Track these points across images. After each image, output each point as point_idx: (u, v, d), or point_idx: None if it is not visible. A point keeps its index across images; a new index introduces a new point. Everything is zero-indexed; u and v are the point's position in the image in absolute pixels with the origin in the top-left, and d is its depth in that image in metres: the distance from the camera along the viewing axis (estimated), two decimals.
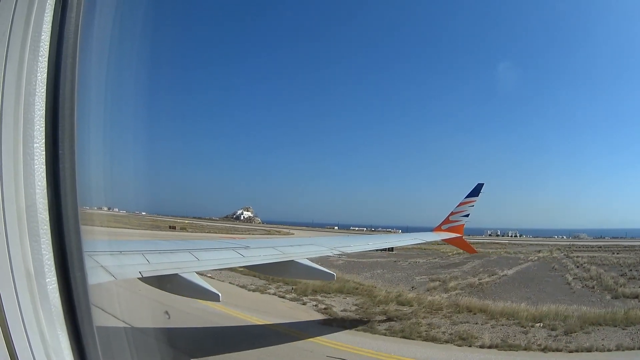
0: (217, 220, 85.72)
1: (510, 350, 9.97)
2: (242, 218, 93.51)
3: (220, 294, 6.58)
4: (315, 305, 13.13)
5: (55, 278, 1.66)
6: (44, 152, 1.62)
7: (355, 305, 13.66)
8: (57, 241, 1.67)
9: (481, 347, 10.12)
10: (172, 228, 52.70)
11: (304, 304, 13.47)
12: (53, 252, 1.65)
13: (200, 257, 6.86)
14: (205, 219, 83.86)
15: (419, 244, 14.50)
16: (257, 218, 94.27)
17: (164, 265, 6.63)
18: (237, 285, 16.84)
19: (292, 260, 7.67)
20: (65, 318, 1.69)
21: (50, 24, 1.64)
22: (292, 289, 14.52)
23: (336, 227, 75.99)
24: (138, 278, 6.41)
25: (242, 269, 13.29)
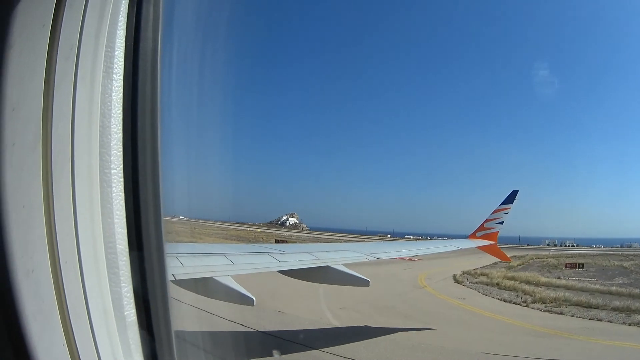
0: (260, 226, 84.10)
1: None
2: (287, 224, 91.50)
3: (254, 298, 6.31)
4: None
5: (134, 311, 1.50)
6: (122, 179, 1.48)
7: None
8: (136, 273, 1.50)
9: None
10: (282, 242, 43.11)
11: None
12: (132, 284, 1.49)
13: (235, 261, 6.64)
14: (248, 224, 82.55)
15: (453, 250, 14.07)
16: (303, 225, 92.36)
17: (197, 268, 6.46)
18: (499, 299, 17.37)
19: (328, 265, 7.46)
20: (144, 353, 1.56)
21: (124, 38, 1.49)
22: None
23: (389, 235, 73.86)
24: (171, 281, 6.24)
25: None
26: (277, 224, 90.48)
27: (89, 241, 1.36)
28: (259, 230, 69.05)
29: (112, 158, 1.44)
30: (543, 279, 23.67)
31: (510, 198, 14.49)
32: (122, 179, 1.46)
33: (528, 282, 21.87)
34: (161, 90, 1.59)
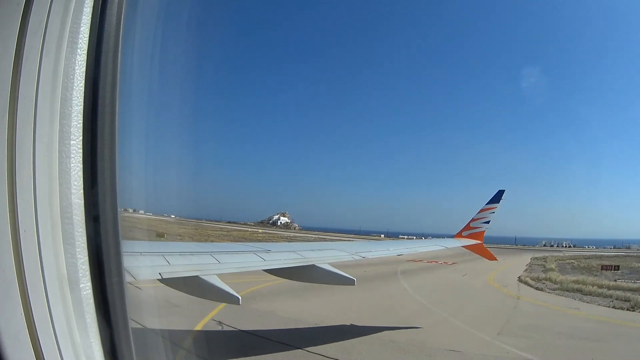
0: (252, 225, 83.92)
1: None
2: (279, 224, 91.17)
3: (240, 297, 6.41)
4: None
5: (90, 284, 1.56)
6: (81, 150, 1.54)
7: None
8: (92, 245, 1.56)
9: None
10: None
11: None
12: (89, 256, 1.55)
13: (221, 259, 6.73)
14: (240, 223, 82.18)
15: (439, 249, 14.22)
16: (294, 224, 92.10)
17: (184, 267, 6.53)
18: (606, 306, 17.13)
19: (313, 264, 7.55)
20: (99, 326, 1.61)
21: (90, 15, 1.56)
22: None
23: (382, 235, 73.69)
24: (158, 279, 6.31)
25: None
26: (268, 223, 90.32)
27: (47, 210, 1.42)
28: (260, 231, 68.74)
29: (72, 129, 1.49)
30: (606, 282, 23.58)
31: (497, 197, 14.53)
32: (81, 150, 1.52)
33: (599, 286, 21.84)
34: (121, 68, 1.64)
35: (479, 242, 13.72)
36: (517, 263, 41.42)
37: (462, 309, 15.80)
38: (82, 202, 1.52)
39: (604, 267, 33.34)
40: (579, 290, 20.83)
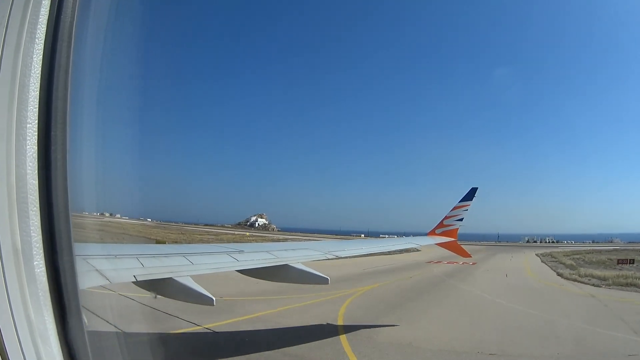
0: (230, 227, 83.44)
1: None
2: (256, 225, 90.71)
3: (214, 298, 6.58)
4: None
5: (43, 261, 1.68)
6: (36, 134, 1.66)
7: None
8: (46, 223, 1.70)
9: None
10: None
11: None
12: (42, 233, 1.68)
13: (194, 261, 6.89)
14: (218, 226, 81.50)
15: (412, 247, 14.54)
16: (272, 225, 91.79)
17: (158, 269, 6.65)
18: None
19: (287, 264, 7.73)
20: (52, 301, 1.71)
21: (47, 15, 1.70)
22: None
23: (363, 235, 74.08)
24: (132, 282, 6.43)
25: None
26: (245, 225, 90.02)
27: (4, 190, 1.59)
28: (247, 234, 68.45)
29: (28, 114, 1.62)
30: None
31: (470, 195, 14.80)
32: (36, 134, 1.65)
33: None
34: (74, 59, 1.78)
35: (452, 239, 14.07)
36: (530, 260, 41.92)
37: (572, 313, 15.49)
38: (37, 182, 1.66)
39: (620, 261, 34.12)
40: (633, 285, 21.42)
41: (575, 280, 24.65)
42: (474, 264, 34.40)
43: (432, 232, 14.12)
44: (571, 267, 31.81)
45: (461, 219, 14.38)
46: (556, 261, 38.38)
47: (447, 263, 34.16)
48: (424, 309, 15.72)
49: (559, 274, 27.58)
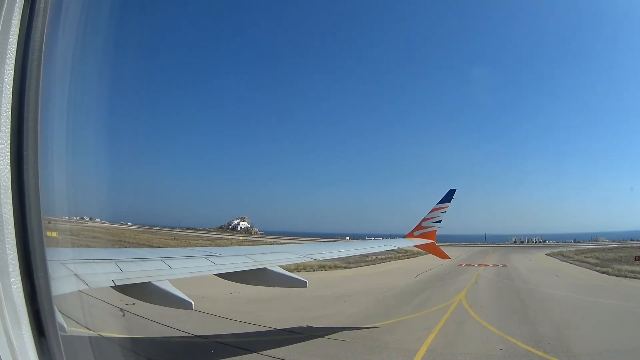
0: (212, 231, 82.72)
1: None
2: (239, 229, 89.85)
3: (193, 302, 6.71)
4: None
5: (19, 279, 1.73)
6: (9, 152, 1.72)
7: None
8: (21, 242, 1.75)
9: None
10: None
11: None
12: (17, 252, 1.73)
13: (172, 265, 7.00)
14: (199, 230, 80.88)
15: (391, 250, 14.71)
16: (255, 229, 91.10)
17: (136, 273, 6.73)
18: None
19: (265, 268, 7.83)
20: (29, 319, 1.77)
21: (18, 27, 1.75)
22: None
23: (347, 238, 74.17)
24: (111, 287, 6.51)
25: None
26: (227, 228, 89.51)
27: None
28: (241, 238, 68.15)
29: (1, 128, 1.69)
30: None
31: (448, 197, 14.92)
32: (9, 139, 1.71)
33: None
34: (46, 49, 1.83)
35: (431, 241, 14.23)
36: (550, 260, 42.08)
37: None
38: (10, 201, 1.71)
39: (638, 258, 35.17)
40: None
41: (625, 276, 25.28)
42: (504, 265, 34.42)
43: (411, 234, 14.24)
44: (602, 264, 32.46)
45: (439, 221, 14.47)
46: (578, 260, 38.63)
47: (478, 265, 33.98)
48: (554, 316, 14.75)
49: (603, 272, 27.83)
